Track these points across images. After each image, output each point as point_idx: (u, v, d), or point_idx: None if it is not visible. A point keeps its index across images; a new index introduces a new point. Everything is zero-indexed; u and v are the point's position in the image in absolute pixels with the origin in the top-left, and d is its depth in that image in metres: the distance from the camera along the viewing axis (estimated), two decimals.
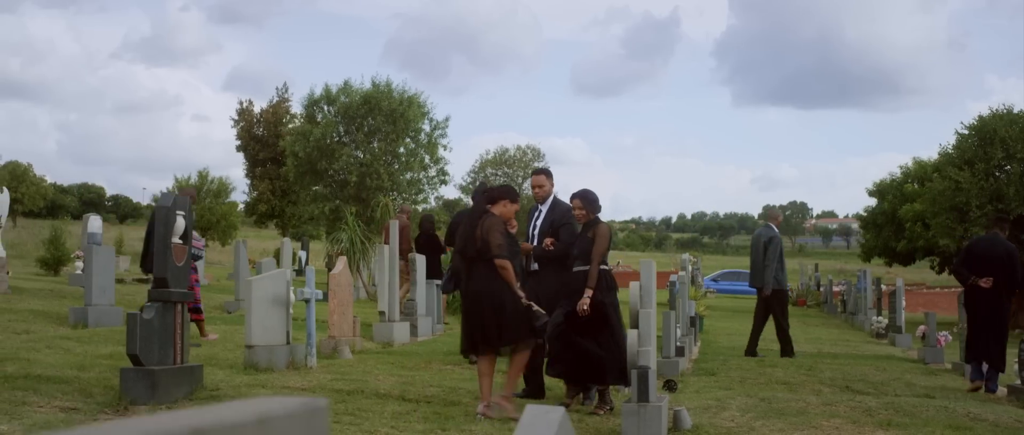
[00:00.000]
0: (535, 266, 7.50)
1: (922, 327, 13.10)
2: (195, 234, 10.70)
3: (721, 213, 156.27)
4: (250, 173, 31.45)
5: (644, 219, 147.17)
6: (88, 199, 79.19)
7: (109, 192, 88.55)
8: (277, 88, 37.25)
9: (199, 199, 32.23)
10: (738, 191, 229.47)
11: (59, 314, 11.94)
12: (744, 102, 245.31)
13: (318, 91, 22.85)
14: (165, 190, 33.57)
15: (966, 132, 19.01)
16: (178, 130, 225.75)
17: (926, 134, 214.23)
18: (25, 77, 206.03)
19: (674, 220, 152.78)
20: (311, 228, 32.98)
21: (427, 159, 22.84)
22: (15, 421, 5.84)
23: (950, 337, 12.76)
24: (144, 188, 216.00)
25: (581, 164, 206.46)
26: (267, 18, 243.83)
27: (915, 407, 7.90)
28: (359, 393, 7.34)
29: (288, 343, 8.53)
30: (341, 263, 10.08)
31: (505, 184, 7.13)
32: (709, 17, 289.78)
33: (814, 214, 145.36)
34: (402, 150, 22.60)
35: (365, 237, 16.75)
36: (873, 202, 23.64)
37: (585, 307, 6.79)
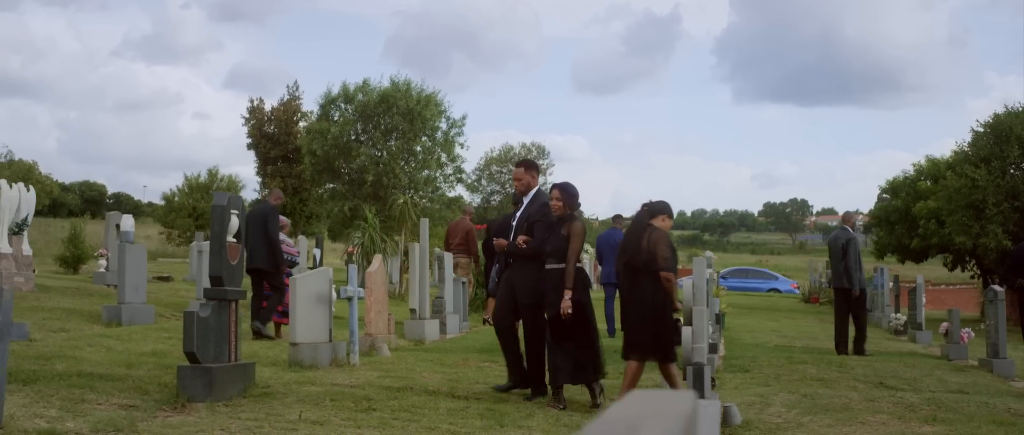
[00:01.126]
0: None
1: (945, 324, 13.18)
2: (288, 240, 10.93)
3: (721, 210, 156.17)
4: (261, 171, 31.49)
5: None
6: (90, 197, 78.99)
7: (110, 190, 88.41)
8: (288, 86, 37.27)
9: (208, 197, 32.22)
10: (738, 188, 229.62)
11: (91, 312, 12.00)
12: (745, 99, 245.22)
13: (335, 89, 22.99)
14: (177, 188, 33.57)
15: (982, 130, 19.14)
16: (179, 128, 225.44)
17: (927, 131, 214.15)
18: (26, 75, 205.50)
19: (674, 217, 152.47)
20: (316, 226, 32.97)
21: (444, 158, 22.90)
22: (79, 419, 5.88)
23: (973, 334, 12.85)
24: (145, 186, 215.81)
25: (581, 161, 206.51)
26: (268, 16, 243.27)
27: (956, 403, 7.99)
28: (409, 390, 7.41)
29: (330, 340, 8.60)
30: (376, 261, 10.14)
31: (663, 200, 7.30)
32: (710, 14, 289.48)
33: (814, 211, 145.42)
34: (418, 148, 22.67)
35: (384, 235, 16.81)
36: (873, 200, 23.74)
37: (568, 310, 6.66)
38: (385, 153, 21.94)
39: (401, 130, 21.90)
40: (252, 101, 31.60)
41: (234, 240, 7.01)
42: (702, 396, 6.27)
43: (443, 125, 23.03)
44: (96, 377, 7.25)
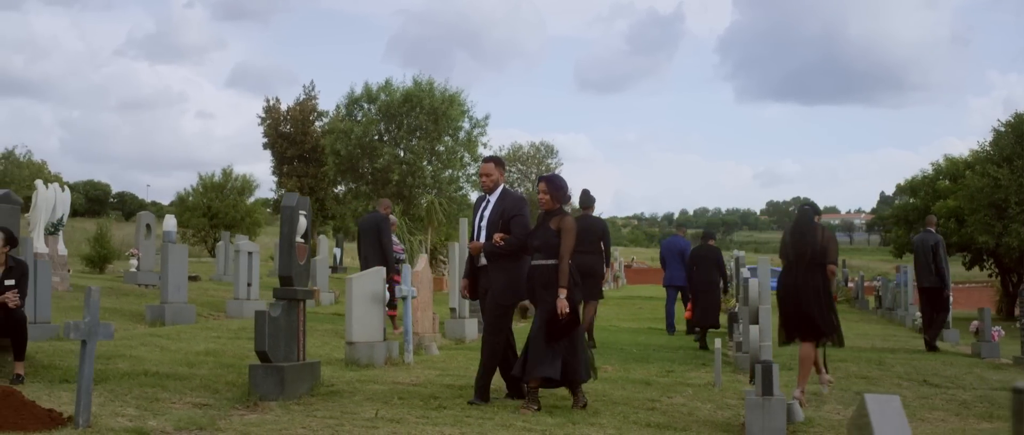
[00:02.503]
0: (483, 261, 7.01)
1: (975, 322, 13.28)
2: (395, 239, 11.12)
3: (723, 209, 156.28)
4: (277, 170, 31.54)
5: (646, 215, 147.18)
6: (94, 196, 78.97)
7: (113, 189, 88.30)
8: (304, 86, 37.19)
9: (223, 196, 32.30)
10: (740, 187, 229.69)
11: (132, 311, 12.07)
12: (747, 98, 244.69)
13: (358, 90, 23.07)
14: (191, 188, 33.58)
15: (1003, 129, 19.23)
16: (181, 127, 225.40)
17: (929, 130, 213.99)
18: (29, 74, 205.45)
19: (676, 216, 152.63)
20: (338, 224, 32.89)
21: (467, 158, 22.93)
22: (160, 417, 5.94)
23: (1003, 332, 12.96)
24: (148, 185, 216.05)
25: (583, 160, 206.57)
26: (271, 15, 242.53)
27: (1007, 400, 8.07)
28: (470, 388, 7.48)
29: (385, 339, 8.68)
30: (422, 261, 10.22)
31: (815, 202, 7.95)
32: (713, 13, 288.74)
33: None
34: (441, 148, 22.75)
35: (411, 235, 16.91)
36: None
37: (565, 309, 6.38)
38: (407, 152, 21.99)
39: (425, 129, 21.96)
40: (268, 101, 31.71)
41: (302, 241, 7.09)
42: (771, 393, 6.36)
43: (466, 125, 23.23)
44: (162, 376, 7.34)
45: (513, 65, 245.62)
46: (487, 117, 23.64)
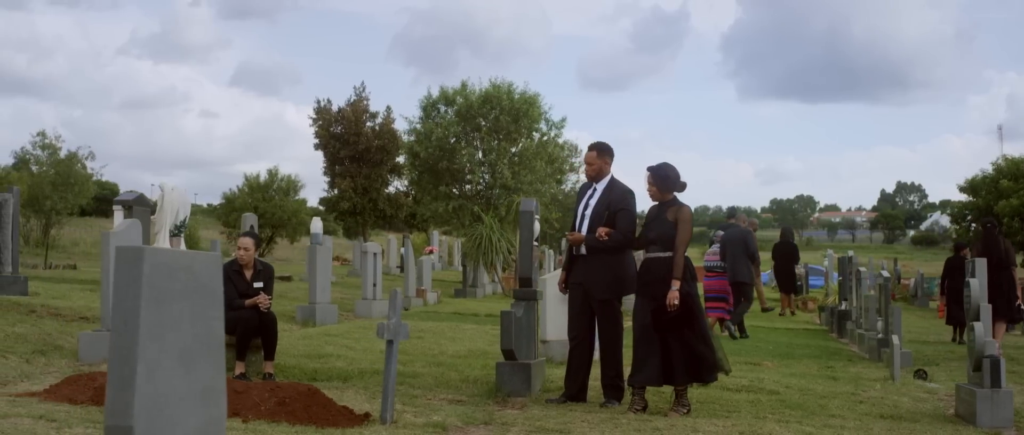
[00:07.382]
0: (582, 251, 6.77)
1: None
2: (717, 247, 12.04)
3: (724, 207, 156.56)
4: (329, 171, 31.98)
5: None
6: (101, 196, 78.75)
7: (121, 189, 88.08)
8: (355, 87, 37.18)
9: (268, 197, 32.60)
10: (741, 184, 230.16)
11: (278, 312, 12.36)
12: (749, 96, 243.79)
13: (435, 92, 23.46)
14: (237, 188, 33.69)
15: None
16: (185, 126, 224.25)
17: (933, 128, 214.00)
18: (32, 74, 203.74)
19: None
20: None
21: (541, 163, 23.18)
22: (438, 413, 6.23)
23: None
24: (152, 184, 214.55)
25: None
26: (278, 13, 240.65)
27: None
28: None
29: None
30: None
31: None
32: (718, 11, 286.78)
33: (818, 208, 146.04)
34: (513, 150, 23.12)
35: (501, 235, 17.24)
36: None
37: (675, 302, 6.22)
38: (491, 154, 22.29)
39: (507, 131, 22.36)
40: (319, 102, 32.19)
41: (536, 243, 7.44)
42: (999, 386, 6.75)
43: (543, 127, 23.69)
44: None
45: (517, 63, 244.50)
46: (564, 120, 24.18)
